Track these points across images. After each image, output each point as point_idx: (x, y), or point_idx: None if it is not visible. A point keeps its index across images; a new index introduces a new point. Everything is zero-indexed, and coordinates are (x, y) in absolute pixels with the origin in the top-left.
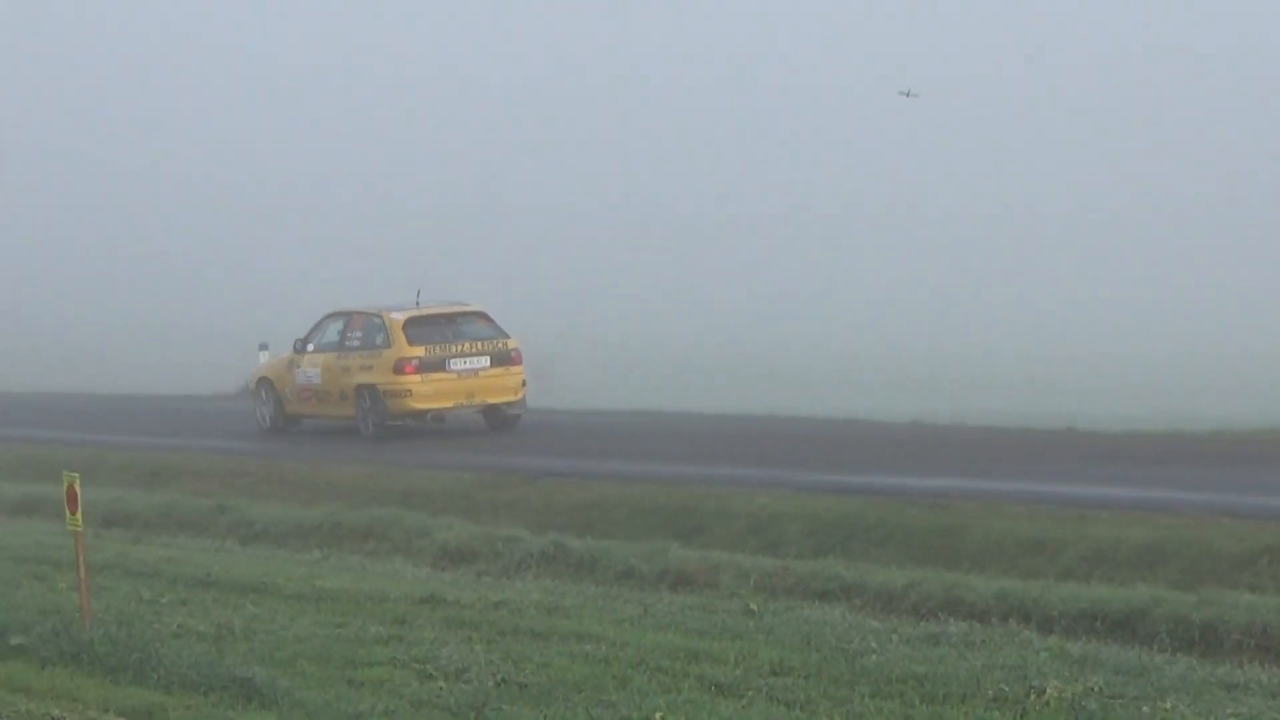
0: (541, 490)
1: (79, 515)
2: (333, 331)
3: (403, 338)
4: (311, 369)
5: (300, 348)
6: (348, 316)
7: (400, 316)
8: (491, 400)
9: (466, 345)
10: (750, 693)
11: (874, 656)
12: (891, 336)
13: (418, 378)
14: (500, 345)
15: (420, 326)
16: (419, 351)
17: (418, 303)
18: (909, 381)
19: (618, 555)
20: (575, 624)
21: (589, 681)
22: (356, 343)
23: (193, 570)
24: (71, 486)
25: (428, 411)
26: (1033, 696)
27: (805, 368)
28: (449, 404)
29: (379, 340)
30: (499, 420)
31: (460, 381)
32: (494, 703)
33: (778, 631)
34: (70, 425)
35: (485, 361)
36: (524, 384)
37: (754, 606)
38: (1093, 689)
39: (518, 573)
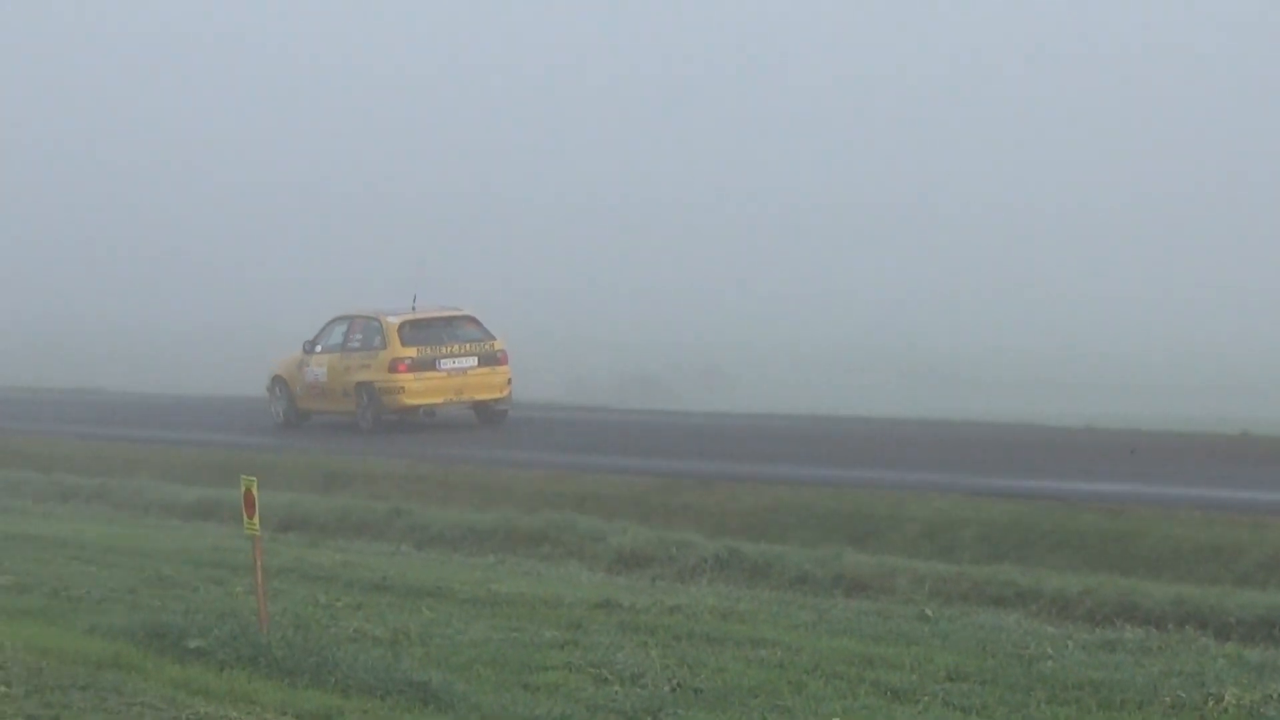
0: (715, 494)
1: (257, 519)
2: (337, 334)
3: (397, 339)
4: (318, 368)
5: (309, 349)
6: (350, 320)
7: (396, 320)
8: (479, 397)
9: (456, 346)
10: (925, 699)
11: (1049, 663)
12: (1063, 338)
13: (410, 376)
14: (488, 346)
15: (413, 329)
16: (411, 352)
17: (413, 307)
18: (1082, 384)
19: (791, 560)
20: (750, 629)
21: (764, 687)
22: (357, 344)
23: (369, 574)
24: (249, 490)
25: (419, 407)
26: (1211, 704)
27: (972, 370)
28: (439, 400)
29: (376, 341)
30: (488, 415)
31: (449, 379)
32: (669, 708)
33: (953, 637)
34: (242, 429)
35: (473, 361)
36: (509, 382)
37: (929, 612)
38: (1272, 696)
39: (692, 577)
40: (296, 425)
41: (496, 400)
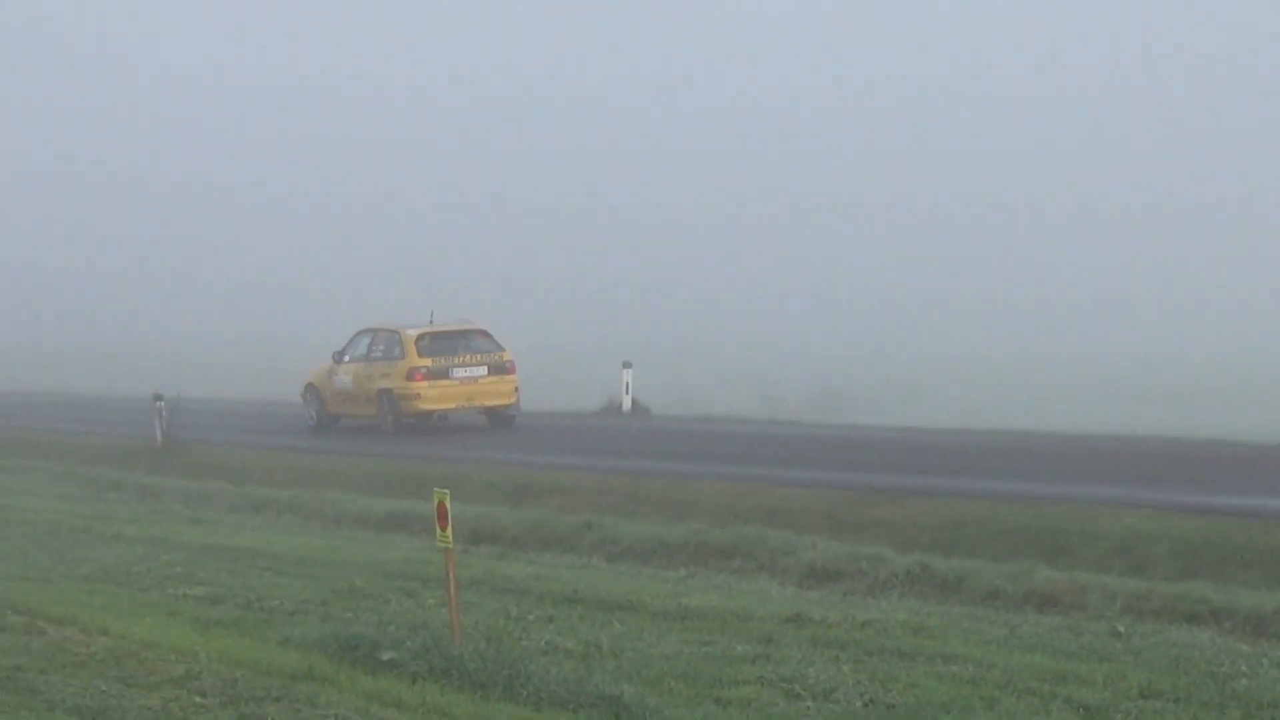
0: (905, 508)
1: (449, 531)
2: (362, 345)
3: (414, 350)
4: (346, 376)
5: (338, 358)
6: (374, 332)
7: (413, 332)
8: (488, 403)
9: (468, 357)
10: (1119, 716)
11: (1244, 681)
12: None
13: (425, 383)
14: (497, 357)
15: (429, 341)
16: (427, 362)
17: (430, 321)
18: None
19: (982, 575)
20: (941, 644)
21: (956, 703)
22: (379, 354)
23: (560, 587)
24: (442, 503)
25: (434, 412)
26: None
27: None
28: (451, 405)
29: (396, 352)
30: (498, 420)
31: (461, 387)
32: None
33: (1146, 654)
34: (434, 441)
35: (483, 370)
36: (517, 389)
37: (1121, 629)
38: None
39: (883, 592)
40: (327, 428)
41: (505, 406)
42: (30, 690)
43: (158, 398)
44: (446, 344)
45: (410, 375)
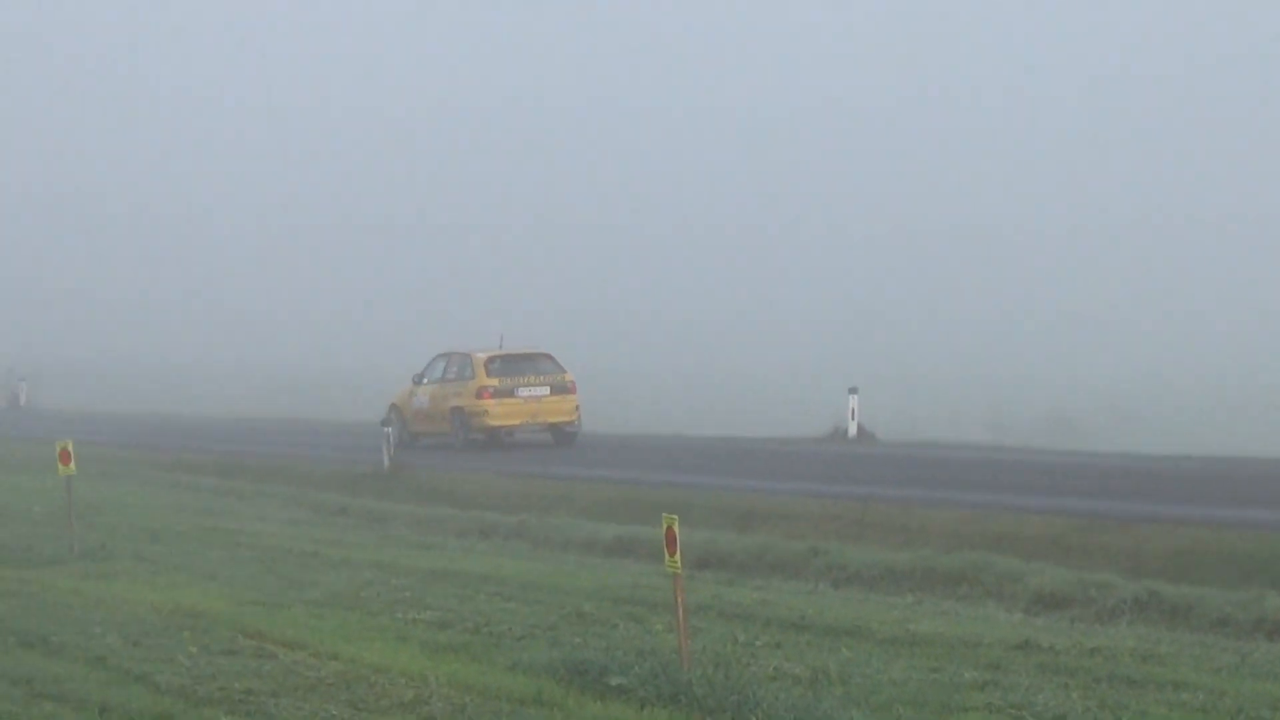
0: (1133, 535)
1: (678, 557)
2: (439, 368)
3: (483, 371)
4: (424, 396)
5: (418, 381)
6: (449, 356)
7: (483, 355)
8: (551, 420)
9: (532, 378)
10: None
11: None
12: None
13: (493, 401)
14: (560, 378)
15: (498, 363)
16: (494, 382)
17: (500, 345)
18: None
19: (1212, 602)
20: (1171, 672)
21: None
22: (453, 375)
23: (786, 613)
24: (670, 528)
25: (500, 428)
26: None
27: None
28: (516, 422)
29: (467, 373)
30: (561, 436)
31: (525, 405)
32: None
33: None
34: (658, 466)
35: (546, 390)
36: (577, 408)
37: None
38: None
39: (1111, 619)
40: (409, 445)
41: (567, 423)
42: (262, 714)
43: (385, 424)
44: (513, 366)
45: (479, 394)
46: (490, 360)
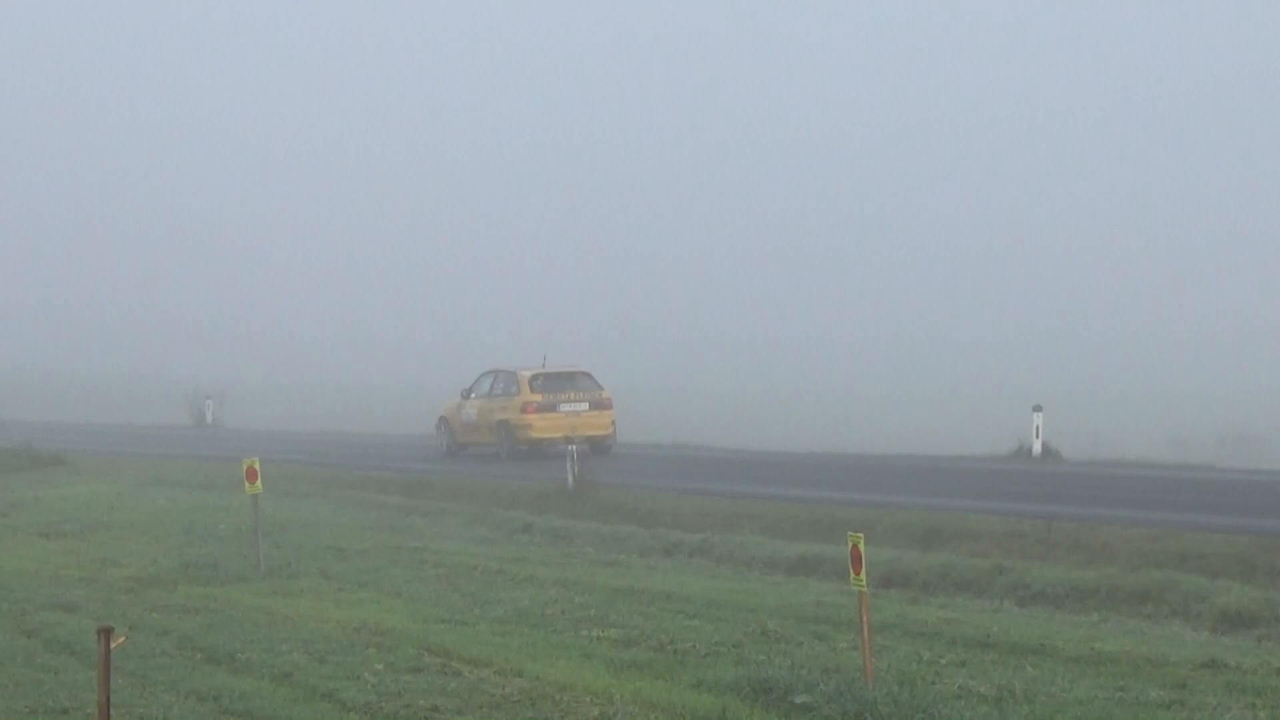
0: None
1: (863, 575)
2: (485, 384)
3: (528, 388)
4: (472, 410)
5: (466, 395)
6: (495, 373)
7: (527, 373)
8: (589, 433)
9: (573, 394)
10: None
11: None
12: None
13: (536, 416)
14: (598, 395)
15: (541, 380)
16: (538, 398)
17: (543, 364)
18: None
19: None
20: None
21: None
22: (500, 391)
23: (971, 631)
24: (856, 546)
25: (542, 440)
26: None
27: None
28: (557, 435)
29: (513, 389)
30: (598, 448)
31: (566, 419)
32: None
33: None
34: (841, 484)
35: (585, 406)
36: (613, 422)
37: None
38: None
39: None
40: (456, 455)
41: (604, 436)
42: None
43: (569, 441)
44: (555, 383)
45: (524, 409)
46: (534, 378)
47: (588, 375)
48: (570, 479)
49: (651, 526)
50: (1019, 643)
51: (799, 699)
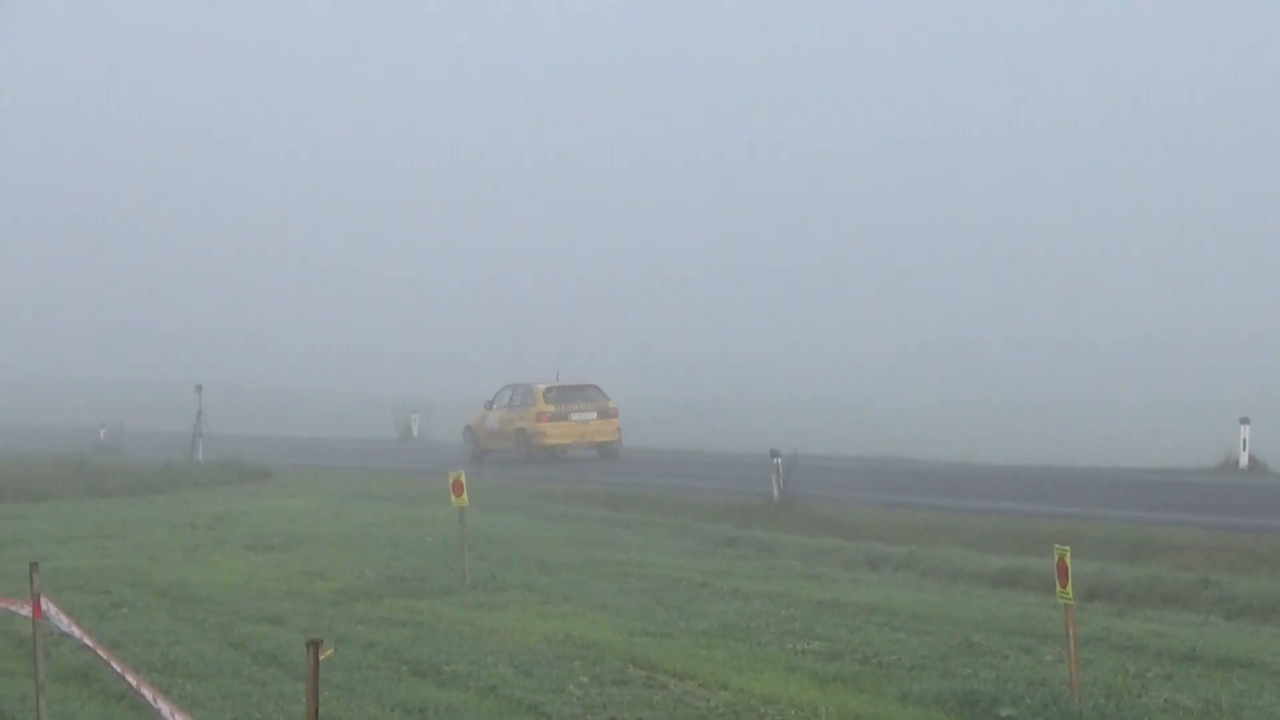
0: None
1: (1069, 588)
2: (506, 396)
3: (542, 399)
4: (494, 419)
5: (489, 406)
6: (514, 387)
7: (542, 386)
8: (597, 440)
9: (582, 405)
10: None
11: None
12: None
13: (550, 424)
14: (605, 405)
15: (554, 393)
16: (551, 408)
17: (557, 378)
18: None
19: None
20: None
21: None
22: (518, 402)
23: (1178, 644)
24: (1062, 559)
25: (555, 446)
26: None
27: None
28: (568, 441)
29: (529, 401)
30: (605, 452)
31: (576, 427)
32: None
33: None
34: (1045, 497)
35: (594, 415)
36: (619, 430)
37: None
38: None
39: None
40: (479, 460)
41: (610, 442)
42: None
43: (774, 454)
44: (567, 395)
45: (539, 418)
46: (549, 390)
47: (596, 388)
48: (776, 492)
49: (856, 540)
50: (1226, 656)
51: (1005, 712)
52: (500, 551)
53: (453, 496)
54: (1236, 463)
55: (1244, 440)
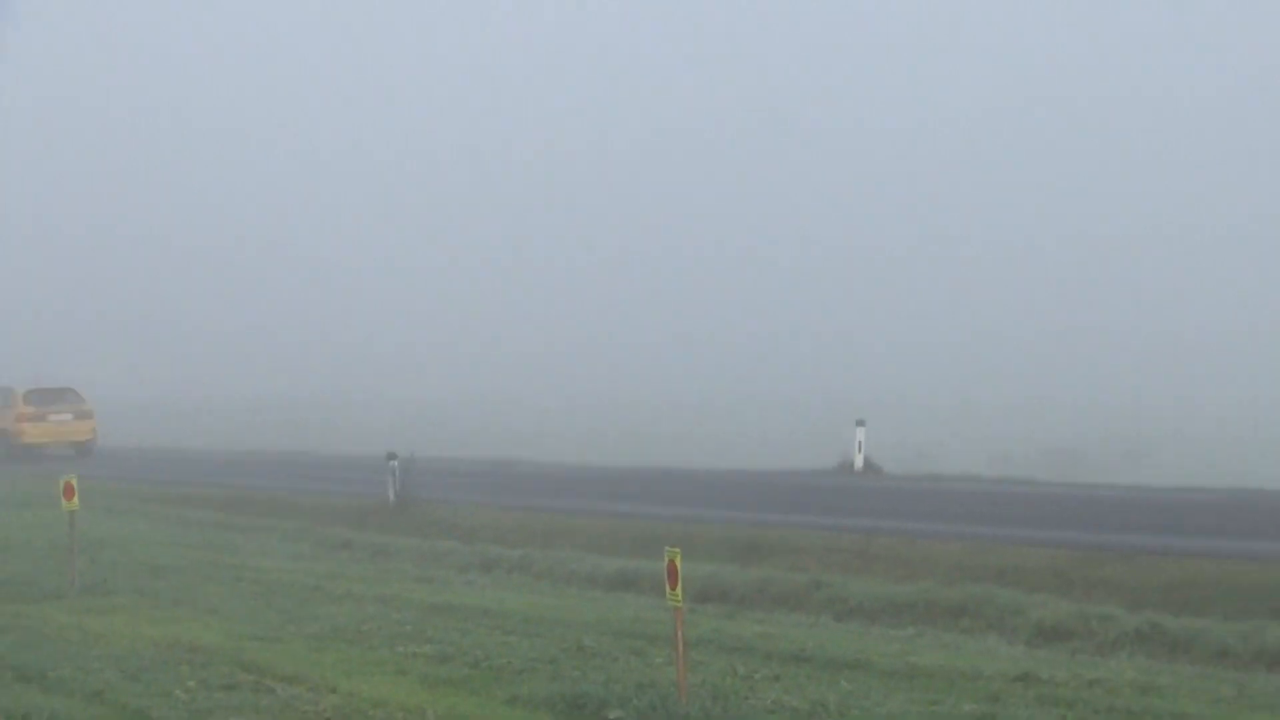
0: (1136, 568)
1: (679, 590)
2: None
3: (22, 402)
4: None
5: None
6: (3, 390)
7: (22, 390)
8: (74, 439)
9: (61, 407)
10: None
11: None
12: None
13: (29, 425)
14: (81, 407)
15: (35, 396)
16: (31, 409)
17: (37, 383)
18: None
19: (1213, 634)
20: (1170, 703)
21: None
22: (3, 404)
23: (787, 645)
24: (672, 561)
25: (34, 444)
26: None
27: None
28: (48, 440)
29: (9, 403)
30: (81, 450)
31: (54, 428)
32: None
33: None
34: (662, 498)
35: (70, 416)
36: (94, 430)
37: None
38: None
39: (1112, 651)
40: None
41: (87, 441)
42: None
43: (391, 457)
44: (46, 398)
45: (19, 419)
46: (29, 393)
47: (74, 392)
48: (392, 495)
49: (472, 542)
50: (834, 657)
51: (612, 715)
52: (112, 555)
53: (63, 500)
54: (852, 465)
55: (859, 443)
